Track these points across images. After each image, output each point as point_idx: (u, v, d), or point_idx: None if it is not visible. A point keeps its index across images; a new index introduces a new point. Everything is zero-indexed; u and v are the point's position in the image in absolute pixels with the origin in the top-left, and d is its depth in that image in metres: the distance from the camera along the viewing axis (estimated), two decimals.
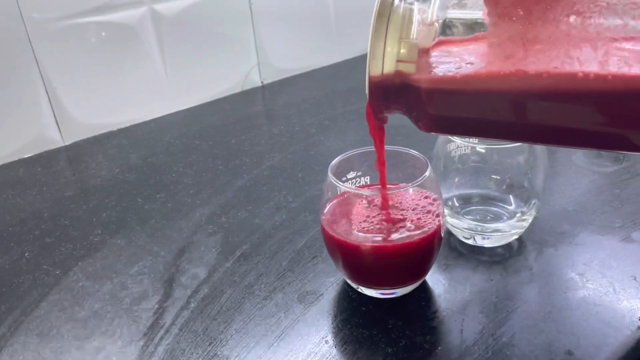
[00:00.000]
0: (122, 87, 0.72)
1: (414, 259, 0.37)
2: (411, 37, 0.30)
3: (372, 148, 0.41)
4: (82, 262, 0.46)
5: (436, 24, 0.29)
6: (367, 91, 0.32)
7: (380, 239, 0.36)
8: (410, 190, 0.37)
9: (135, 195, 0.56)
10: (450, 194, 0.45)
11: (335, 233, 0.37)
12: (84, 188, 0.59)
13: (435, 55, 0.29)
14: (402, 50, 0.30)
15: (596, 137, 0.28)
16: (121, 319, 0.40)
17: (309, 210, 0.51)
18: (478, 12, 0.29)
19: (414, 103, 0.31)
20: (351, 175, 0.42)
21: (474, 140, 0.45)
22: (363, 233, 0.37)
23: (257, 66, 0.84)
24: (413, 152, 0.40)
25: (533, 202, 0.44)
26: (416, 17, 0.30)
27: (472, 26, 0.29)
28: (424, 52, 0.29)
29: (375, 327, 0.37)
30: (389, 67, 0.30)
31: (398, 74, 0.30)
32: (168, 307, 0.40)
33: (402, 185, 0.41)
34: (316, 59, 0.91)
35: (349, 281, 0.41)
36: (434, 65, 0.29)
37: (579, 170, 0.54)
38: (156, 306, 0.41)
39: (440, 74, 0.29)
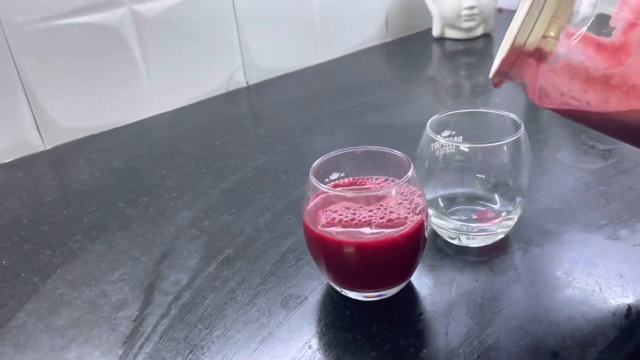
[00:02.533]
0: (104, 89, 0.71)
1: (396, 257, 0.37)
2: (563, 20, 0.32)
3: (354, 149, 0.40)
4: (61, 269, 0.45)
5: (588, 15, 0.32)
6: (503, 56, 0.35)
7: (362, 236, 0.36)
8: (393, 192, 0.37)
9: (116, 199, 0.55)
10: (435, 194, 0.45)
11: (316, 232, 0.36)
12: (64, 193, 0.58)
13: (578, 43, 0.32)
14: (551, 31, 0.32)
15: None
16: (100, 328, 0.39)
17: (294, 212, 0.50)
18: (627, 15, 0.31)
19: (543, 79, 0.34)
20: (334, 176, 0.41)
21: (458, 139, 0.44)
22: (345, 232, 0.36)
23: (241, 67, 0.83)
24: (396, 152, 0.39)
25: (518, 200, 0.43)
26: (574, 4, 0.32)
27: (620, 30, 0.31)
28: (570, 37, 0.32)
29: (359, 331, 0.37)
30: (533, 39, 0.33)
31: (538, 50, 0.33)
32: (148, 314, 0.39)
33: (385, 183, 0.40)
34: (302, 59, 0.90)
35: (332, 284, 0.40)
36: (574, 51, 0.32)
37: (565, 167, 0.54)
38: (136, 313, 0.40)
39: (577, 62, 0.32)
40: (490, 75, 0.37)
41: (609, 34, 0.32)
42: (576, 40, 0.32)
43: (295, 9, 0.86)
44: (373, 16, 0.96)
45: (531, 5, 0.33)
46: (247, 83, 0.85)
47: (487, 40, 0.96)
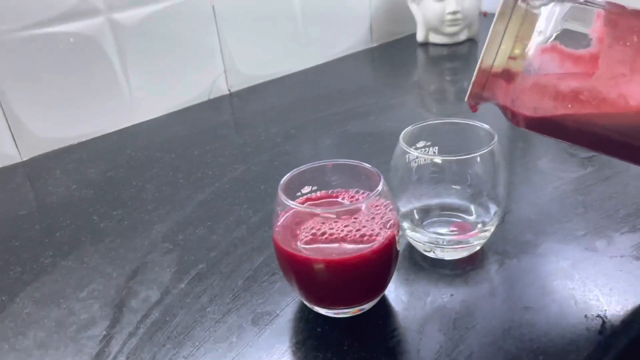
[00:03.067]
0: (82, 99, 0.70)
1: (368, 273, 0.36)
2: (526, 39, 0.32)
3: (326, 162, 0.40)
4: (30, 286, 0.44)
5: (553, 33, 0.32)
6: (473, 79, 0.35)
7: (332, 253, 0.35)
8: (363, 207, 0.36)
9: (91, 212, 0.54)
10: (410, 206, 0.44)
11: (286, 250, 0.36)
12: (39, 206, 0.57)
13: (545, 60, 0.32)
14: (516, 50, 0.33)
15: None
16: (66, 349, 0.38)
17: (270, 224, 0.50)
18: (594, 30, 0.31)
19: (514, 99, 0.34)
20: (306, 189, 0.40)
21: (434, 149, 0.44)
22: (315, 249, 0.35)
23: (223, 74, 0.82)
24: (366, 165, 0.38)
25: (494, 211, 0.43)
26: (535, 22, 0.32)
27: (586, 42, 0.31)
28: (536, 55, 0.32)
29: (330, 349, 0.36)
30: (500, 61, 0.33)
31: (506, 70, 0.33)
32: (116, 333, 0.39)
33: (357, 196, 0.39)
34: (286, 65, 0.89)
35: (304, 301, 0.39)
36: (542, 69, 0.32)
37: (544, 176, 0.53)
38: (104, 333, 0.39)
39: (546, 78, 0.32)
40: (465, 98, 0.37)
41: (575, 49, 0.31)
42: (542, 58, 0.32)
43: (277, 14, 0.85)
44: (357, 22, 0.95)
45: (494, 28, 0.33)
46: (230, 90, 0.84)
47: (472, 44, 0.96)
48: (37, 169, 0.65)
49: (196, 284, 0.43)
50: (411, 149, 0.41)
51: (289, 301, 0.40)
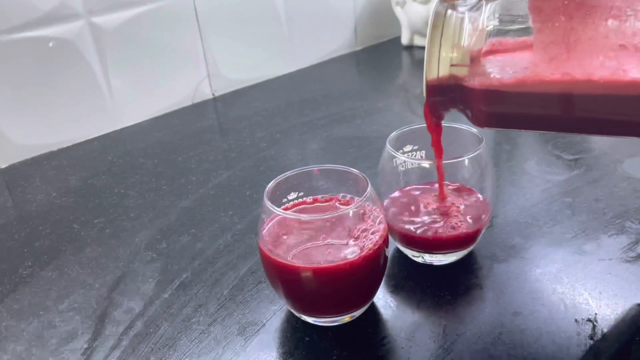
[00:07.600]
0: (62, 104, 0.68)
1: (356, 281, 0.35)
2: (463, 43, 0.33)
3: (312, 167, 0.39)
4: (9, 298, 0.43)
5: (486, 31, 0.32)
6: (424, 93, 0.35)
7: (319, 261, 0.34)
8: (350, 213, 0.35)
9: (71, 221, 0.53)
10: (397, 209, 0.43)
11: (271, 257, 0.35)
12: (17, 215, 0.56)
13: (485, 59, 0.32)
14: (455, 56, 0.33)
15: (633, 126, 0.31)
16: None
17: (255, 231, 0.49)
18: (524, 20, 0.32)
19: (467, 102, 0.34)
20: (292, 196, 0.40)
21: (421, 153, 0.43)
22: (301, 257, 0.35)
23: (207, 78, 0.81)
24: (353, 170, 0.38)
25: (482, 215, 0.42)
26: (467, 25, 0.33)
27: (519, 32, 0.32)
28: (475, 56, 0.33)
29: (319, 359, 0.35)
30: (444, 71, 0.34)
31: (452, 77, 0.33)
32: (98, 346, 0.37)
33: (344, 202, 0.39)
34: (269, 69, 0.88)
35: (291, 310, 0.38)
36: (484, 68, 0.32)
37: (531, 178, 0.53)
38: (85, 346, 0.38)
39: (491, 76, 0.32)
40: (424, 115, 0.37)
41: (513, 42, 0.32)
42: (483, 58, 0.32)
43: (261, 18, 0.84)
44: (342, 25, 0.95)
45: (430, 41, 0.33)
46: (214, 94, 0.83)
47: None
48: (15, 177, 0.63)
49: (180, 293, 0.42)
50: (398, 153, 0.41)
51: (275, 310, 0.39)
